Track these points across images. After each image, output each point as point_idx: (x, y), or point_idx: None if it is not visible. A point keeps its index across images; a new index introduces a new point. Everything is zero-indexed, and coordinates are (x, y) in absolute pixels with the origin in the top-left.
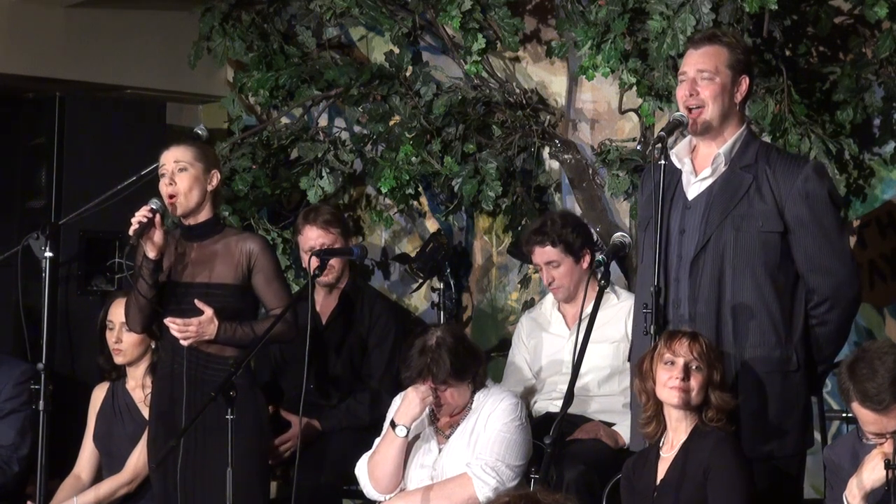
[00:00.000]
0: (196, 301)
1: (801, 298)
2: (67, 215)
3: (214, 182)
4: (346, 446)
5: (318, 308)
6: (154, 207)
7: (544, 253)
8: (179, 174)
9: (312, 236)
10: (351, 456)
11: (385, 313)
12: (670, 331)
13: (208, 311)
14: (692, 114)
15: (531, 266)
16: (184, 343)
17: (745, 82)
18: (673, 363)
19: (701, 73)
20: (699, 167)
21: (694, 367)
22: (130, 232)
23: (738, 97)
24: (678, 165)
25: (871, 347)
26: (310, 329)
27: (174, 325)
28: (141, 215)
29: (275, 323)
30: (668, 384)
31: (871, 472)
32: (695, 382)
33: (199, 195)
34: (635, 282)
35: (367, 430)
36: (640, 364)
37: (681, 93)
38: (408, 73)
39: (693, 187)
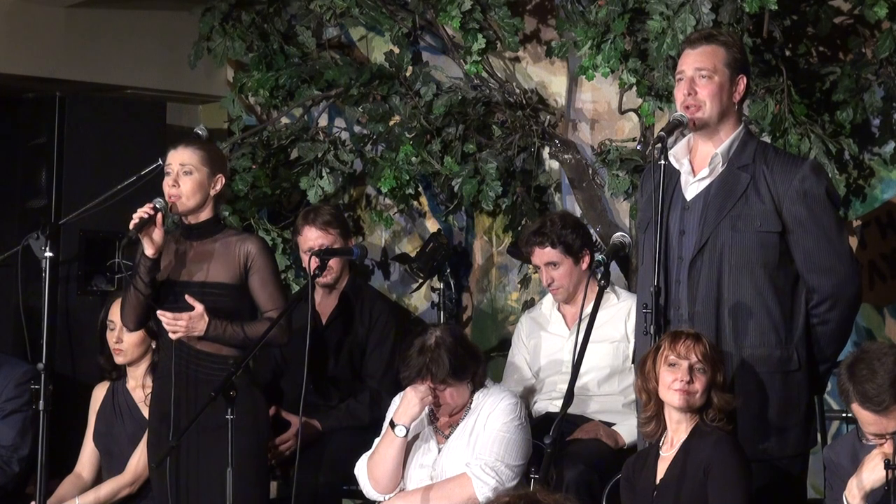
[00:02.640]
0: (187, 296)
1: (802, 298)
2: (67, 215)
3: (218, 186)
4: (346, 446)
5: (318, 306)
6: (157, 206)
7: (544, 254)
8: (184, 177)
9: (312, 237)
10: (351, 456)
11: (385, 313)
12: (674, 332)
13: (199, 308)
14: (689, 112)
15: (531, 266)
16: (172, 337)
17: (742, 82)
18: (677, 365)
19: (699, 72)
20: (697, 167)
21: (698, 369)
22: (130, 226)
23: (737, 96)
24: (676, 166)
25: (871, 348)
26: (310, 329)
27: (165, 318)
28: (143, 211)
29: (272, 327)
30: (672, 386)
31: (871, 473)
32: (699, 384)
33: (201, 199)
34: (635, 282)
35: (367, 430)
36: (642, 363)
37: (679, 92)
38: (408, 73)
39: (691, 188)
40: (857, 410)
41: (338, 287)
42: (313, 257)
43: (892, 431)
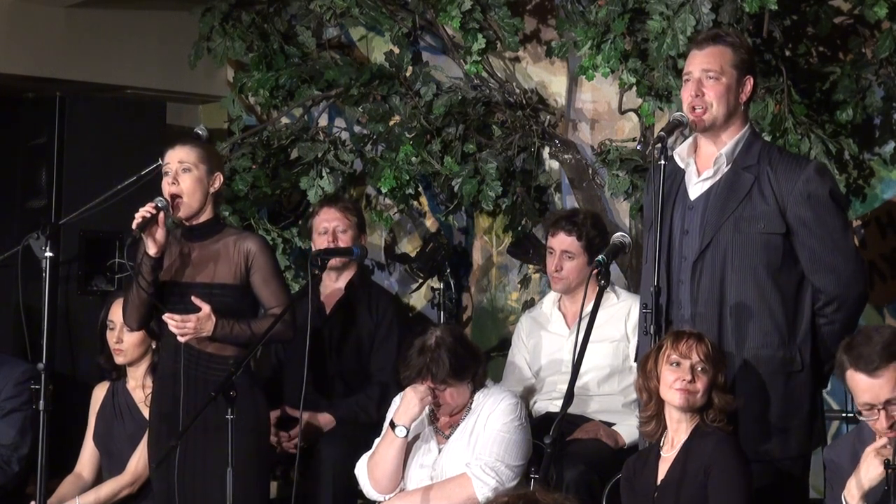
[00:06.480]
0: (193, 298)
1: (806, 299)
2: (67, 215)
3: (217, 184)
4: (346, 449)
5: (323, 297)
6: (159, 205)
7: (566, 241)
8: (183, 174)
9: (328, 217)
10: (351, 462)
11: (390, 309)
12: (676, 331)
13: (206, 308)
14: (696, 113)
15: (531, 266)
16: (181, 339)
17: (749, 83)
18: (679, 364)
19: (706, 73)
20: (702, 167)
21: (699, 369)
22: (133, 225)
23: (743, 97)
24: (681, 165)
25: (869, 326)
26: (310, 328)
27: (172, 320)
28: (145, 210)
29: (275, 323)
30: (673, 386)
31: (868, 471)
32: (700, 384)
33: (202, 197)
34: (631, 282)
35: (367, 430)
36: (644, 363)
37: (686, 93)
38: (408, 73)
39: (695, 187)
40: (851, 377)
41: (344, 276)
42: (314, 257)
43: (884, 400)
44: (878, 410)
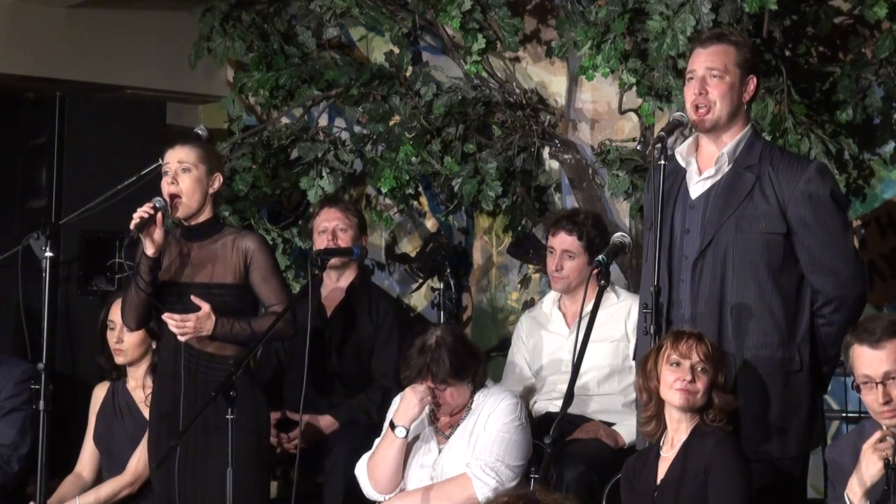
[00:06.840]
0: (193, 297)
1: (806, 299)
2: (67, 215)
3: (216, 185)
4: (352, 451)
5: (323, 298)
6: (157, 206)
7: (567, 241)
8: (182, 174)
9: (329, 217)
10: (352, 462)
11: (391, 312)
12: (676, 331)
13: (205, 307)
14: (699, 112)
15: (531, 266)
16: (181, 339)
17: (752, 82)
18: (679, 364)
19: (710, 72)
20: (703, 166)
21: (700, 369)
22: (132, 226)
23: (746, 97)
24: (682, 164)
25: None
26: (310, 328)
27: (172, 320)
28: (143, 211)
29: (276, 321)
30: (674, 386)
31: (868, 468)
32: (700, 384)
33: (201, 197)
34: (631, 282)
35: (369, 431)
36: (644, 363)
37: (689, 91)
38: (408, 73)
39: (696, 186)
40: (853, 353)
41: (345, 277)
42: (314, 257)
43: (882, 373)
44: (876, 385)
